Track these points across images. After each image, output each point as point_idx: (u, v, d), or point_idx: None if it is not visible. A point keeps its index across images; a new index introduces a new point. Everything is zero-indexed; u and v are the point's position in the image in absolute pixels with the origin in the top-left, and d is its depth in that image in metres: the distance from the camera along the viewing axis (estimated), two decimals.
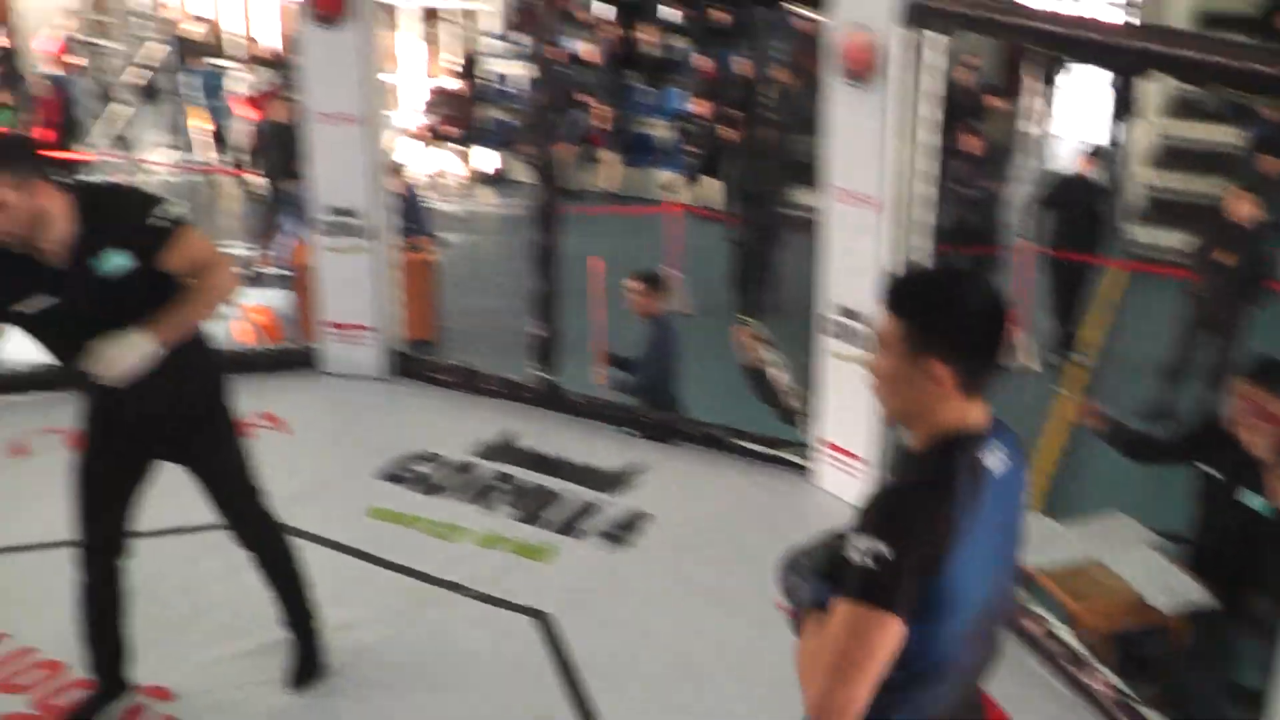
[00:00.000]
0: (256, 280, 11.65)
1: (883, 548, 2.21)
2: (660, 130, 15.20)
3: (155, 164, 8.94)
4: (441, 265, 10.01)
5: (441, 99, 16.22)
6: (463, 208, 14.24)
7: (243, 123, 15.29)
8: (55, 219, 3.62)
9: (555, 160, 6.30)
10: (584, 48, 15.29)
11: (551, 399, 6.53)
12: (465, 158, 15.78)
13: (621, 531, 5.43)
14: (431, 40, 17.65)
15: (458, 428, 6.31)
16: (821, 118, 5.43)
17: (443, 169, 15.85)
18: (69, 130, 15.00)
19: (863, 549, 2.23)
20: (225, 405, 4.07)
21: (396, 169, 8.69)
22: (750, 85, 13.68)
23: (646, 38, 15.81)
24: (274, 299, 10.43)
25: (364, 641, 4.63)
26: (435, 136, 15.76)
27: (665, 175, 14.44)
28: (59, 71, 16.43)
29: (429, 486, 5.78)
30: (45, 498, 5.53)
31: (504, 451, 6.08)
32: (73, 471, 3.99)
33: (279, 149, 12.45)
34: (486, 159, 15.83)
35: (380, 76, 6.52)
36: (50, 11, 15.93)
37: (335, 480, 5.83)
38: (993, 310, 2.38)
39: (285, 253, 11.21)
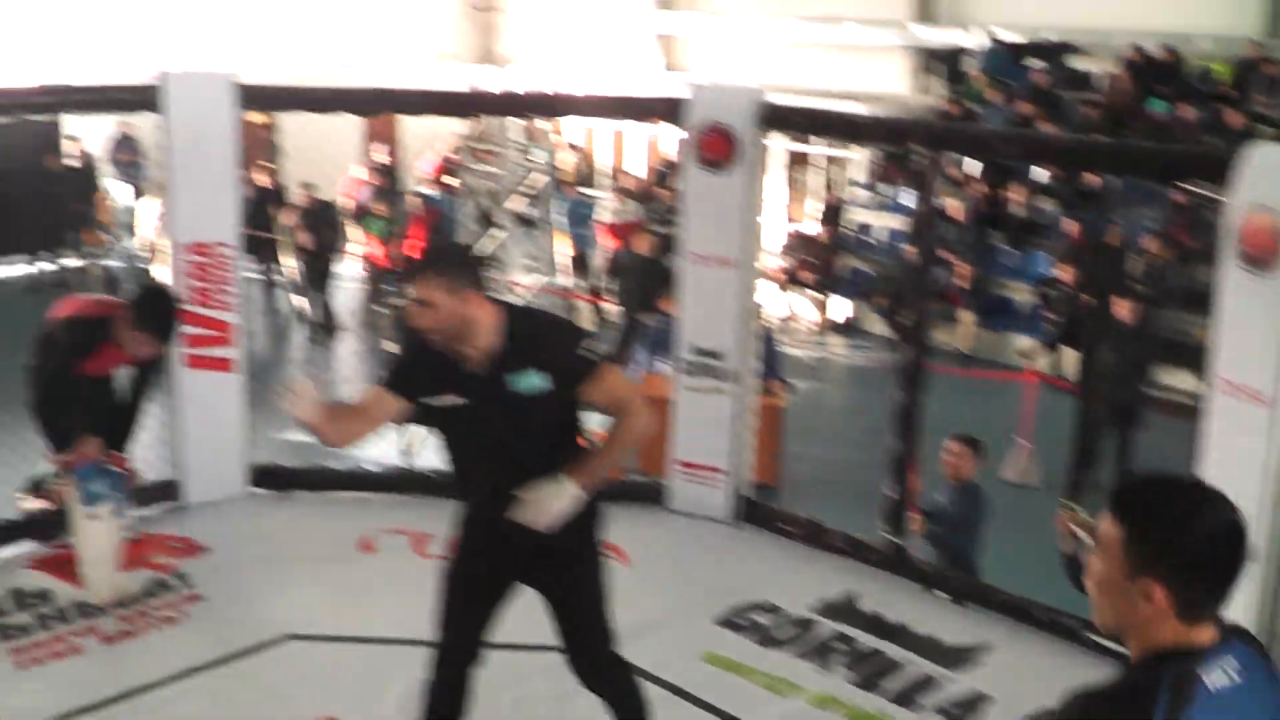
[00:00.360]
0: None
1: None
2: (1020, 293, 14.85)
3: (521, 285, 9.28)
4: (789, 411, 9.98)
5: (800, 243, 16.33)
6: (812, 354, 14.23)
7: (604, 251, 15.82)
8: (482, 328, 3.85)
9: (925, 317, 6.13)
10: (950, 203, 15.14)
11: (897, 563, 6.31)
12: (819, 304, 15.80)
13: (961, 711, 5.15)
14: (794, 184, 17.88)
15: (800, 581, 6.17)
16: (1208, 298, 5.11)
17: (795, 313, 15.91)
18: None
19: None
20: (598, 543, 4.14)
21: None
22: (1119, 254, 13.22)
23: (1014, 197, 15.54)
24: None
25: None
26: (790, 280, 15.86)
27: (1024, 341, 14.06)
28: (435, 192, 17.48)
29: (766, 638, 5.65)
30: (386, 594, 5.80)
31: (845, 612, 5.90)
32: (442, 575, 4.14)
33: (638, 280, 12.80)
34: (840, 307, 15.81)
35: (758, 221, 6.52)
36: (435, 135, 16.97)
37: (672, 619, 5.78)
38: (1230, 535, 2.18)
39: (636, 382, 11.41)
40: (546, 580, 4.13)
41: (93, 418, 5.65)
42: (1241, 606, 5.36)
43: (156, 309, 5.73)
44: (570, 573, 4.12)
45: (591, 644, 4.22)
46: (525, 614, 4.21)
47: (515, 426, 3.91)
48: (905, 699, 5.20)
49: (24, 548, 6.37)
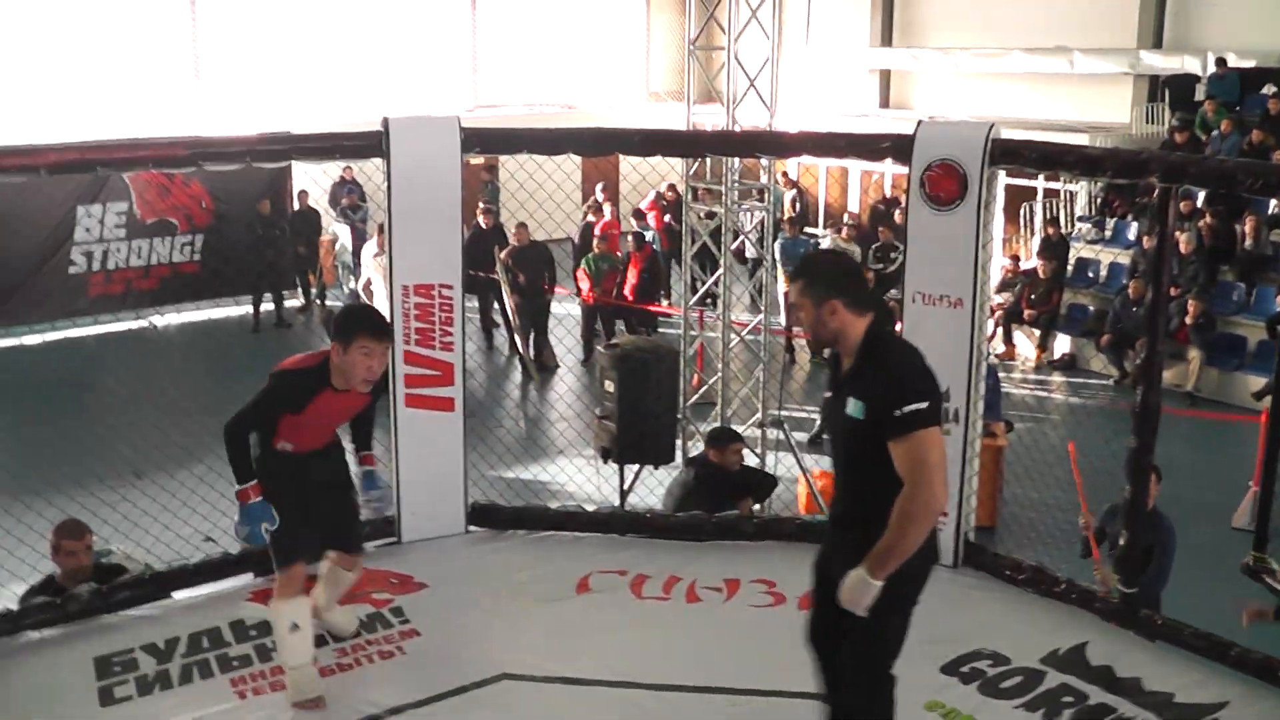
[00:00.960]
0: (818, 445, 11.81)
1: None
2: (1251, 331, 14.25)
3: (737, 324, 9.27)
4: (1008, 451, 9.74)
5: (1021, 278, 15.98)
6: (1031, 392, 13.88)
7: None
8: (849, 341, 4.24)
9: (1156, 356, 5.86)
10: (1178, 237, 14.61)
11: (1127, 614, 6.03)
12: (1039, 341, 15.42)
13: None
14: (1013, 217, 17.53)
15: (1026, 629, 5.95)
16: None
17: (1015, 349, 15.56)
18: (653, 284, 15.98)
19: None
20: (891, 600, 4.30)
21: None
22: None
23: (1247, 230, 14.93)
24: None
25: None
26: (1010, 316, 15.53)
27: (1256, 381, 13.48)
28: (651, 230, 17.65)
29: (992, 687, 5.45)
30: (602, 636, 5.79)
31: (1075, 664, 5.66)
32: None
33: None
34: (1061, 343, 15.41)
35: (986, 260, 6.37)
36: (653, 174, 17.11)
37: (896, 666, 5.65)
38: None
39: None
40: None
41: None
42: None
43: (350, 316, 5.36)
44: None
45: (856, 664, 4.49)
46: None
47: (843, 445, 4.35)
48: None
49: (244, 580, 6.56)
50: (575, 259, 16.66)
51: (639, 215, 17.74)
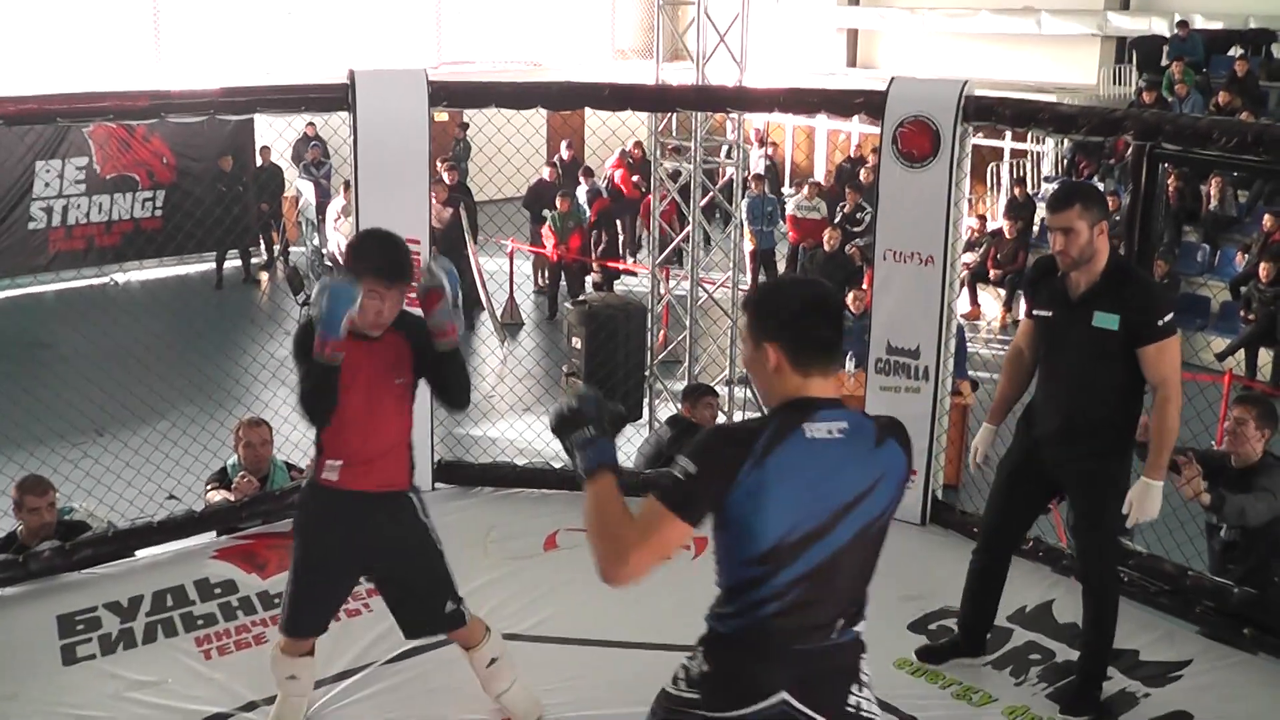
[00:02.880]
0: None
1: (690, 466, 2.87)
2: (1214, 292, 14.32)
3: (706, 281, 9.25)
4: (972, 410, 9.75)
5: (987, 238, 16.01)
6: (996, 352, 13.92)
7: (790, 248, 15.71)
8: (1097, 261, 4.62)
9: None
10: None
11: None
12: (1005, 301, 15.45)
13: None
14: (980, 178, 17.54)
15: None
16: None
17: (980, 309, 15.59)
18: (609, 240, 15.99)
19: (680, 464, 2.89)
20: (1114, 471, 4.83)
21: None
22: None
23: (1212, 191, 14.98)
24: None
25: None
26: (976, 276, 15.55)
27: (1220, 343, 13.55)
28: (616, 187, 17.62)
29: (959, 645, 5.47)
30: (571, 593, 5.76)
31: (1041, 621, 5.69)
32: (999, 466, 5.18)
33: (825, 277, 12.67)
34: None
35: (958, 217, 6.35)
36: (621, 133, 17.07)
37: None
38: (818, 303, 2.95)
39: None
40: (1070, 484, 4.92)
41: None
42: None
43: (359, 252, 4.38)
44: (1090, 481, 4.84)
45: (1090, 542, 4.92)
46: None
47: (1083, 357, 4.69)
48: (1103, 715, 4.97)
49: (208, 538, 6.52)
50: (533, 217, 16.61)
51: (588, 173, 17.68)
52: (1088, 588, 4.97)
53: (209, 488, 6.81)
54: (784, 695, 2.99)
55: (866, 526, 2.98)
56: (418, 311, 4.38)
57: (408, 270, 4.29)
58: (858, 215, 15.63)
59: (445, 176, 14.89)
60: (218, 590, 5.90)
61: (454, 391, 4.49)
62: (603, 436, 3.07)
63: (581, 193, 16.73)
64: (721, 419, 9.15)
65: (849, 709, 3.06)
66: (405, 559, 4.57)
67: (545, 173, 16.84)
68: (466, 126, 19.09)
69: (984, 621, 5.32)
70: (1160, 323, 4.55)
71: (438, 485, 6.97)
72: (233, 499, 6.59)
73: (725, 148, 9.29)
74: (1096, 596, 4.94)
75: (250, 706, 4.95)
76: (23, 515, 6.14)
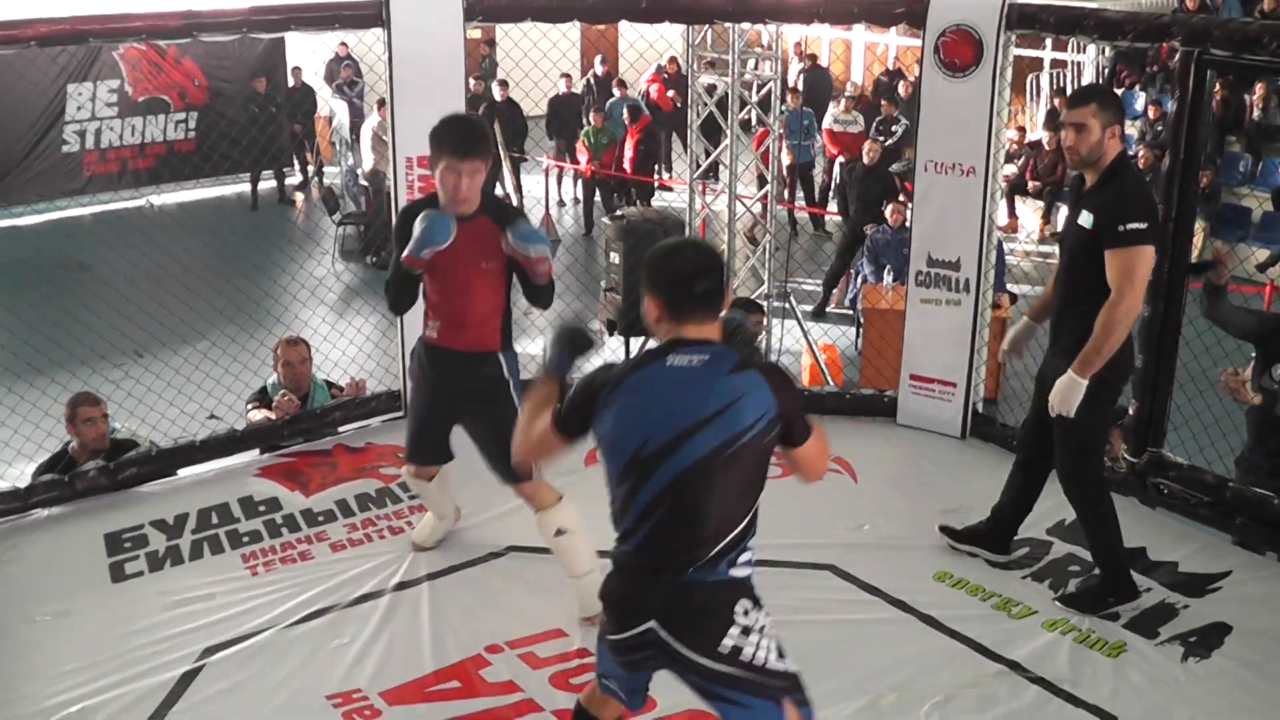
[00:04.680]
0: (823, 317, 11.79)
1: (571, 393, 3.37)
2: (1257, 202, 14.12)
3: (743, 197, 9.16)
4: (1011, 323, 9.69)
5: (1026, 150, 15.83)
6: (1034, 264, 13.80)
7: (826, 161, 15.57)
8: (1102, 163, 4.71)
9: (1179, 225, 5.77)
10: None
11: (1135, 484, 6.01)
12: (1043, 213, 15.30)
13: (1195, 639, 4.89)
14: (1019, 89, 17.30)
15: None
16: None
17: (1018, 221, 15.45)
18: (651, 156, 15.87)
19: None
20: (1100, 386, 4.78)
21: None
22: None
23: (1256, 100, 14.73)
24: (840, 339, 10.48)
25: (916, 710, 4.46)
26: (1014, 188, 15.39)
27: (1261, 253, 13.37)
28: (654, 102, 17.47)
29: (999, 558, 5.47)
30: (603, 505, 5.76)
31: (1080, 533, 5.59)
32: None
33: (863, 191, 12.56)
34: (1064, 216, 15.30)
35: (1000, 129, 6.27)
36: (655, 49, 16.89)
37: (903, 536, 5.67)
38: (689, 263, 3.27)
39: (857, 294, 11.25)
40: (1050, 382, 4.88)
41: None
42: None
43: (437, 130, 4.76)
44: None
45: (1064, 445, 4.98)
46: None
47: (1071, 254, 4.84)
48: (1141, 626, 4.97)
49: (250, 456, 6.58)
50: (548, 130, 16.53)
51: (622, 85, 17.52)
52: (1066, 492, 5.08)
53: (249, 407, 6.85)
54: (652, 624, 3.24)
55: (719, 448, 3.14)
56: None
57: (476, 146, 4.70)
58: (892, 128, 15.47)
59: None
60: (262, 507, 5.96)
61: (539, 301, 4.99)
62: (564, 353, 3.64)
63: (618, 107, 16.57)
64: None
65: (721, 650, 3.21)
66: (483, 410, 4.99)
67: (561, 85, 16.62)
68: (494, 44, 18.94)
69: (1016, 514, 5.42)
70: (1121, 228, 4.56)
71: None
72: (274, 417, 6.63)
73: (758, 61, 9.17)
74: (1073, 501, 5.08)
75: (297, 622, 5.02)
76: (77, 429, 6.20)
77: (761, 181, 9.67)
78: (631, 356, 3.36)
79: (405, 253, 4.70)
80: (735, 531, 3.24)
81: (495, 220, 4.79)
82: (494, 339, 4.99)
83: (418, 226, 4.66)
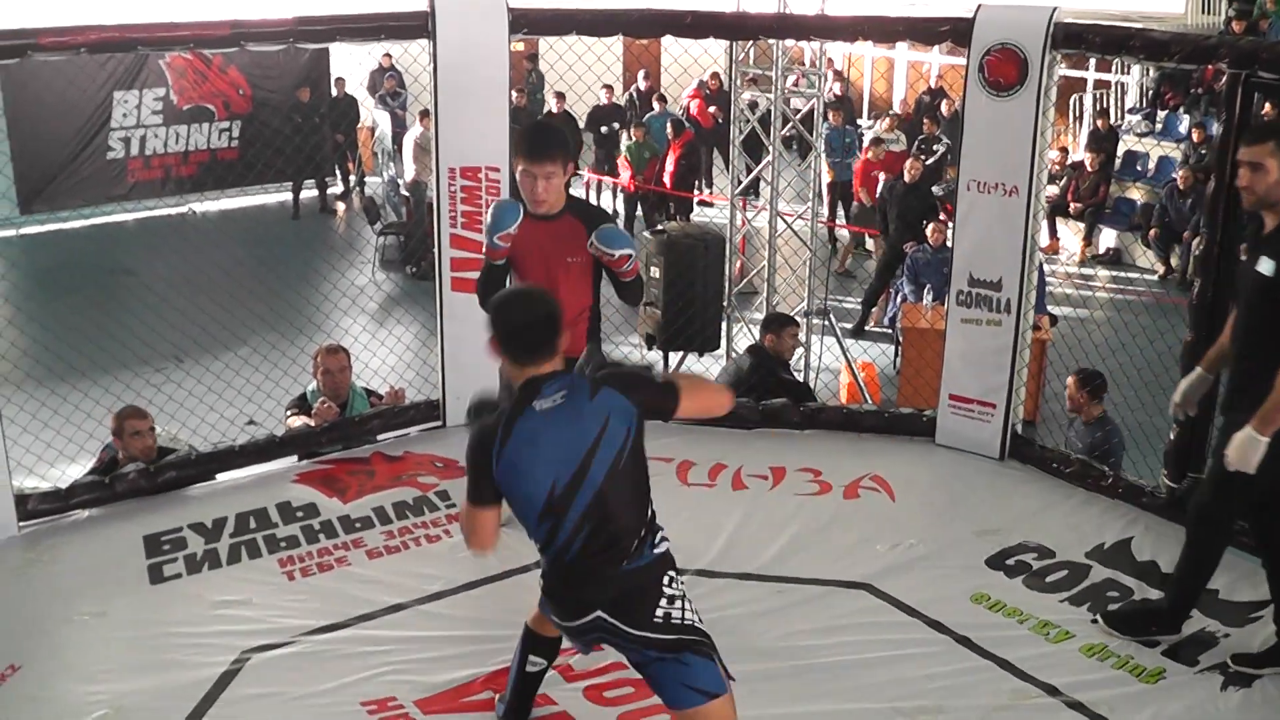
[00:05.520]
0: (862, 335, 11.76)
1: (468, 469, 3.66)
2: None
3: (784, 214, 9.17)
4: (1051, 346, 9.65)
5: (1068, 170, 15.75)
6: (1074, 286, 13.73)
7: (868, 179, 15.53)
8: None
9: (1222, 247, 5.71)
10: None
11: (1175, 510, 5.92)
12: (1085, 234, 15.22)
13: (1239, 670, 4.80)
14: (1062, 109, 17.23)
15: (1072, 522, 5.93)
16: None
17: (1059, 243, 15.37)
18: (692, 171, 15.87)
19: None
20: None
21: None
22: None
23: None
24: (879, 358, 10.45)
25: None
26: (1055, 209, 15.32)
27: None
28: (694, 118, 17.46)
29: (1037, 580, 5.43)
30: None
31: (1120, 558, 5.62)
32: None
33: (904, 209, 12.53)
34: (1106, 238, 15.21)
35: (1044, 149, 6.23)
36: (699, 64, 16.92)
37: (940, 557, 5.63)
38: (525, 319, 3.62)
39: (896, 313, 11.22)
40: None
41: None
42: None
43: (520, 134, 5.28)
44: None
45: (1209, 478, 4.88)
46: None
47: (1247, 302, 4.60)
48: (1180, 654, 4.90)
49: (289, 462, 6.62)
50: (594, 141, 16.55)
51: (662, 100, 17.54)
52: (1191, 520, 4.93)
53: (289, 413, 6.89)
54: (599, 613, 3.63)
55: (615, 461, 3.55)
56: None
57: (549, 150, 4.91)
58: (934, 147, 15.43)
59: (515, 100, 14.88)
60: (299, 513, 5.99)
61: (629, 297, 5.17)
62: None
63: (658, 121, 16.58)
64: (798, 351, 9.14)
65: (656, 619, 3.62)
66: None
67: (603, 96, 16.66)
68: (536, 58, 19.01)
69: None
70: None
71: None
72: (313, 424, 6.66)
73: (800, 78, 9.18)
74: (1195, 534, 4.90)
75: (332, 627, 5.03)
76: (124, 442, 6.24)
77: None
78: (495, 412, 3.63)
79: (484, 246, 4.98)
80: (647, 518, 3.68)
81: (581, 220, 4.98)
82: (580, 342, 4.95)
83: (487, 216, 4.93)
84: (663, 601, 3.64)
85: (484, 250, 5.00)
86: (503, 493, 3.60)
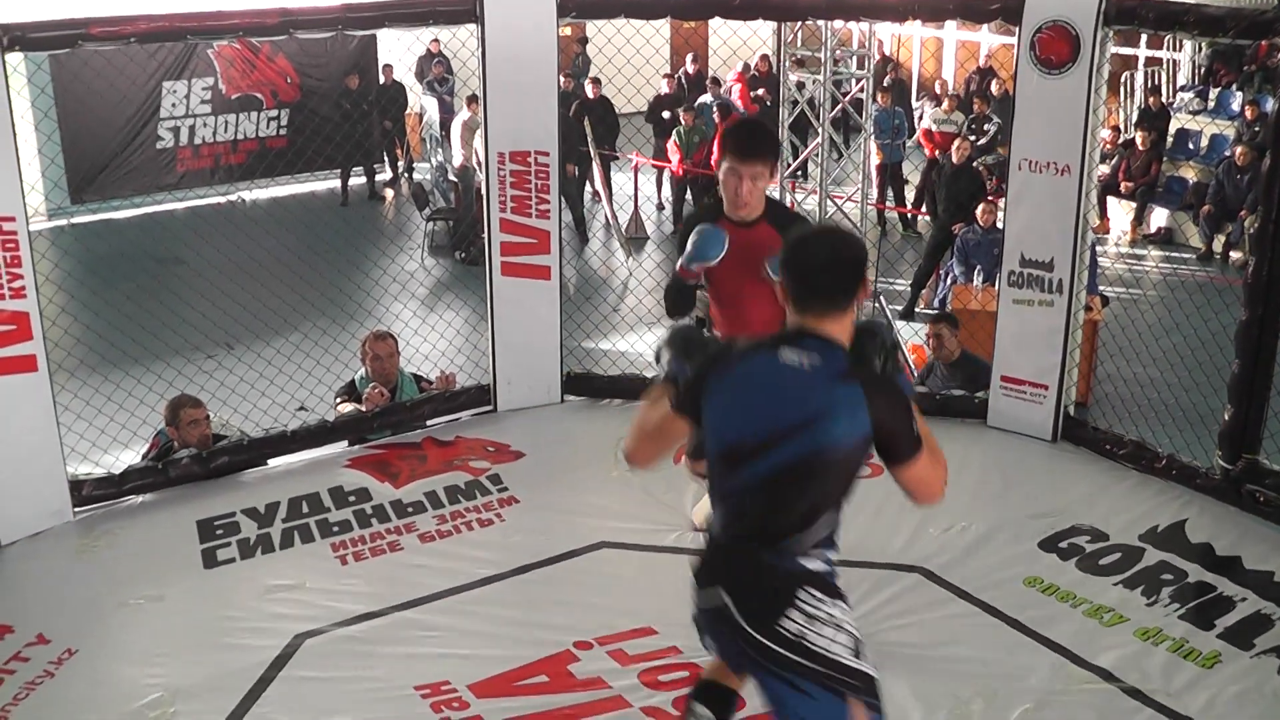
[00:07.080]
0: (911, 318, 11.68)
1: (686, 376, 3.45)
2: None
3: (835, 196, 9.12)
4: (1103, 327, 9.56)
5: (1119, 149, 15.58)
6: (1125, 266, 13.58)
7: (919, 160, 15.45)
8: None
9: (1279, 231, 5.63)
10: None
11: (1230, 491, 5.88)
12: (1135, 214, 15.06)
13: None
14: (1113, 87, 17.05)
15: (1126, 505, 5.88)
16: None
17: (1109, 223, 15.21)
18: None
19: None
20: None
21: None
22: None
23: None
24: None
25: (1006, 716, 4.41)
26: (1106, 188, 15.15)
27: None
28: (736, 100, 17.41)
29: (1090, 563, 5.38)
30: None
31: (1174, 541, 5.57)
32: None
33: (954, 190, 12.42)
34: (1157, 217, 15.03)
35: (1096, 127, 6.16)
36: (746, 48, 16.85)
37: (992, 540, 5.59)
38: (821, 258, 3.26)
39: (946, 295, 11.14)
40: None
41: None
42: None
43: (726, 131, 4.91)
44: None
45: None
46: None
47: None
48: (1236, 637, 4.86)
49: (340, 448, 6.66)
50: (655, 129, 16.50)
51: (715, 83, 17.47)
52: None
53: (339, 400, 6.92)
54: (720, 590, 3.28)
55: (804, 458, 3.16)
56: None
57: (759, 150, 4.67)
58: (985, 127, 15.31)
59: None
60: (352, 498, 6.02)
61: None
62: (677, 359, 3.57)
63: (709, 104, 16.51)
64: None
65: (780, 629, 3.19)
66: None
67: (664, 85, 16.65)
68: (586, 41, 19.01)
69: None
70: None
71: (567, 397, 7.02)
72: (364, 410, 6.70)
73: (852, 60, 9.12)
74: None
75: (385, 611, 5.06)
76: (181, 430, 6.29)
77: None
78: (750, 340, 3.35)
79: (678, 264, 4.79)
80: (811, 528, 3.24)
81: (777, 227, 4.65)
82: None
83: (691, 239, 4.69)
84: (795, 614, 3.19)
85: (678, 268, 4.81)
86: (702, 415, 3.32)
